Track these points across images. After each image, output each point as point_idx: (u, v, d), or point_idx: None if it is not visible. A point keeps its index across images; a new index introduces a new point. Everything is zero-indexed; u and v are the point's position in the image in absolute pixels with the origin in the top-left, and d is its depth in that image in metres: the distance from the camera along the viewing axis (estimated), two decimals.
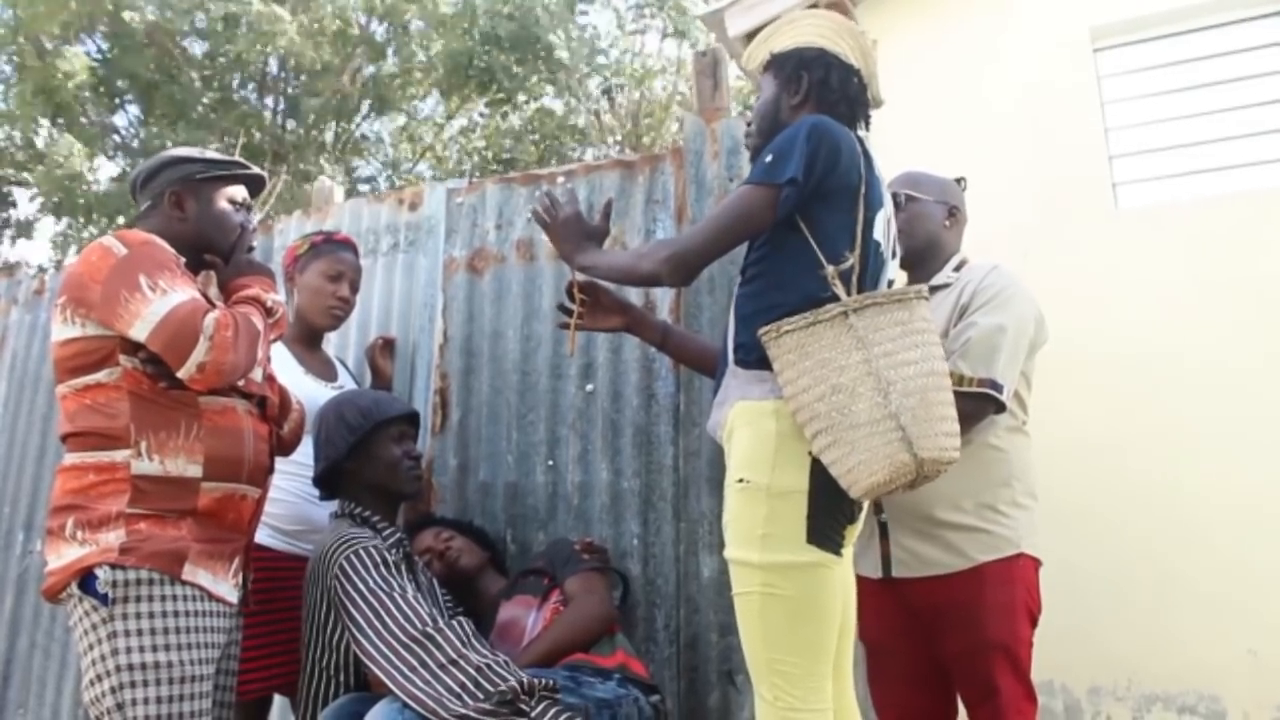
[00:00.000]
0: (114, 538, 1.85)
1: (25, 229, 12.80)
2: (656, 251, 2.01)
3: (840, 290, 1.84)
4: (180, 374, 1.88)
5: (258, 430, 2.12)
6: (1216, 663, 3.47)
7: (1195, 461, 3.59)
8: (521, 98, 13.59)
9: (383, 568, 2.21)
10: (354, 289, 2.82)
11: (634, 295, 2.69)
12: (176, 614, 1.88)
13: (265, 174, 2.31)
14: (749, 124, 2.16)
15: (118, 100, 12.50)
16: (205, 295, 2.01)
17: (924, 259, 2.43)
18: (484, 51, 12.41)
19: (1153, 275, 3.81)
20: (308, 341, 2.78)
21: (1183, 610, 3.51)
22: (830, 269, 1.86)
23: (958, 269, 2.42)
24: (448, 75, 12.84)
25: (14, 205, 12.63)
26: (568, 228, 2.26)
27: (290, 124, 13.12)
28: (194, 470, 1.95)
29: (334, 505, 2.51)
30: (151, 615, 1.85)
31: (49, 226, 12.66)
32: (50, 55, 10.92)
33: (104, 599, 1.83)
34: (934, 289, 2.37)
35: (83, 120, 11.73)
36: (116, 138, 12.80)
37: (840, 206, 1.90)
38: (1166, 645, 3.53)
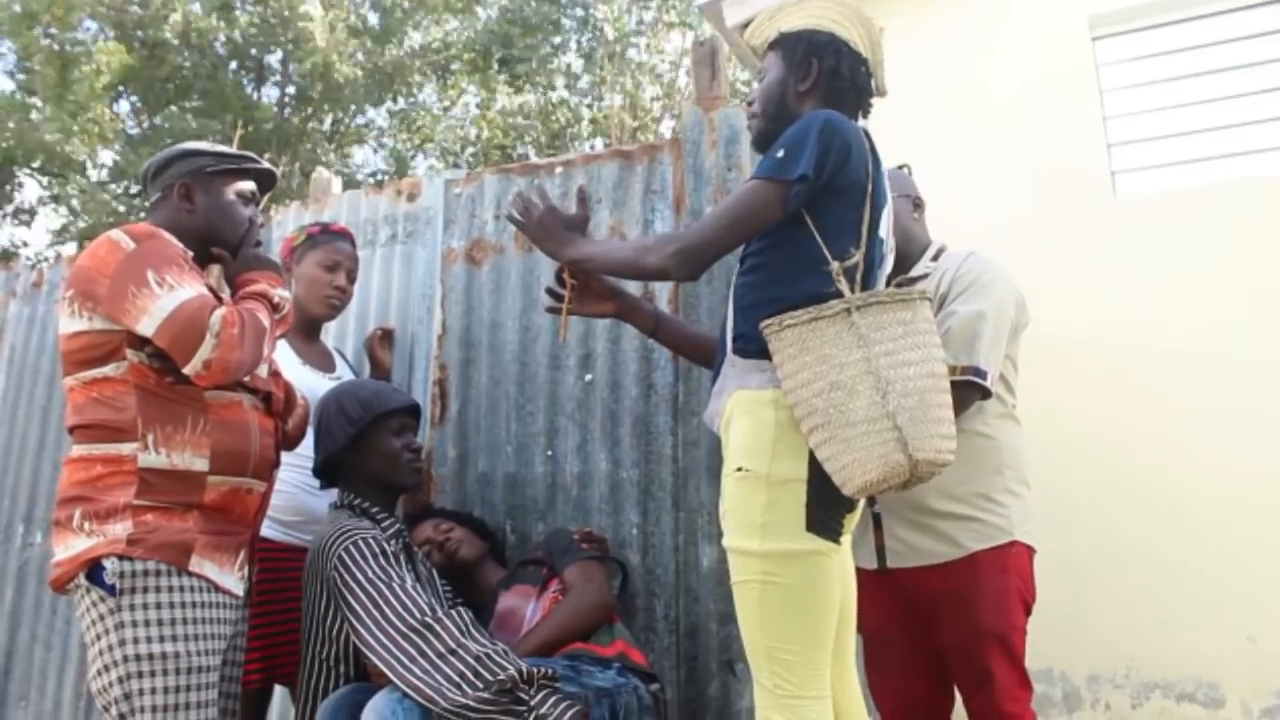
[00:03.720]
0: (121, 529, 1.86)
1: (27, 216, 12.77)
2: (663, 246, 1.98)
3: (845, 287, 1.84)
4: (186, 370, 1.88)
5: (263, 425, 2.13)
6: (1215, 650, 3.47)
7: (1194, 450, 3.59)
8: (540, 80, 13.61)
9: (381, 558, 2.21)
10: (351, 279, 2.82)
11: (632, 283, 2.69)
12: (183, 605, 1.89)
13: (276, 170, 2.30)
14: (751, 102, 2.14)
15: (119, 89, 12.44)
16: (212, 290, 2.01)
17: (900, 255, 2.42)
18: (503, 32, 12.48)
19: (1150, 263, 3.81)
20: (305, 332, 2.78)
21: (1181, 598, 3.51)
22: (835, 265, 1.85)
23: (935, 258, 2.42)
24: (465, 56, 12.85)
25: (20, 187, 12.60)
26: (544, 225, 2.22)
27: (290, 114, 13.10)
28: (200, 464, 1.96)
29: (332, 495, 2.52)
30: (159, 606, 1.86)
31: (48, 217, 12.65)
32: (59, 44, 10.88)
33: (111, 590, 1.84)
34: (913, 280, 2.37)
35: (88, 113, 11.69)
36: (119, 125, 12.76)
37: (848, 203, 1.90)
38: (1165, 633, 3.54)
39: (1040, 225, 3.94)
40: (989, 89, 4.25)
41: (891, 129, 3.51)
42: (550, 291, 2.35)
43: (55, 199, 12.04)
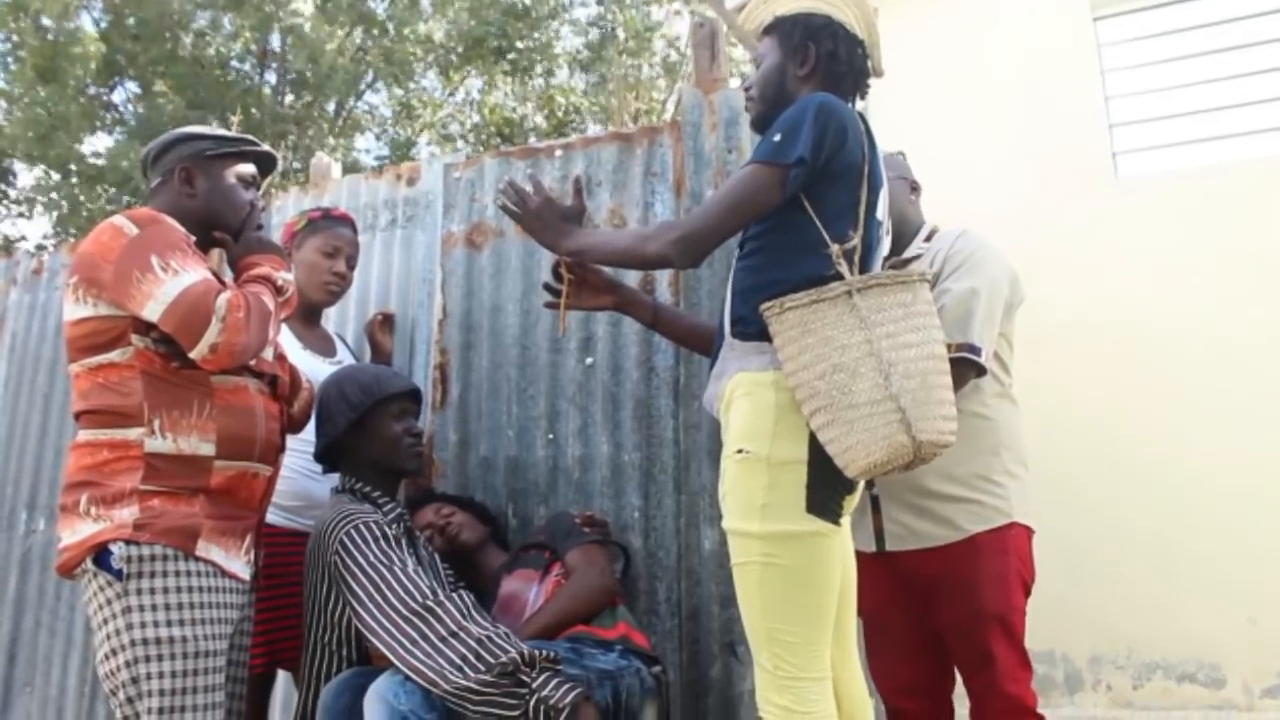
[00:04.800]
0: (128, 514, 1.86)
1: (27, 205, 12.74)
2: (664, 233, 1.97)
3: (845, 269, 1.84)
4: (193, 354, 1.88)
5: (269, 409, 2.13)
6: (1216, 631, 3.49)
7: (1195, 431, 3.60)
8: (539, 68, 13.59)
9: (382, 542, 2.21)
10: (351, 265, 2.82)
11: (631, 273, 2.68)
12: (190, 589, 1.89)
13: (276, 153, 2.30)
14: (748, 89, 2.13)
15: (116, 76, 12.41)
16: (216, 274, 2.01)
17: (895, 237, 2.41)
18: (501, 21, 12.48)
19: (1152, 244, 3.80)
20: (306, 317, 2.77)
21: (1183, 580, 3.52)
22: (835, 248, 1.85)
23: (928, 239, 2.41)
24: (463, 46, 12.82)
25: (14, 178, 12.57)
26: (541, 217, 2.20)
27: (290, 99, 13.07)
28: (206, 449, 1.96)
29: (334, 480, 2.52)
30: (166, 590, 1.86)
31: (47, 207, 12.64)
32: (54, 34, 10.85)
33: (119, 574, 1.84)
34: (906, 262, 2.36)
35: (81, 99, 11.66)
36: (115, 113, 12.73)
37: (845, 185, 1.89)
38: (1166, 615, 3.55)
39: (1041, 207, 3.93)
40: (990, 70, 4.24)
41: (891, 111, 3.51)
42: (548, 286, 2.34)
43: (55, 188, 12.03)
